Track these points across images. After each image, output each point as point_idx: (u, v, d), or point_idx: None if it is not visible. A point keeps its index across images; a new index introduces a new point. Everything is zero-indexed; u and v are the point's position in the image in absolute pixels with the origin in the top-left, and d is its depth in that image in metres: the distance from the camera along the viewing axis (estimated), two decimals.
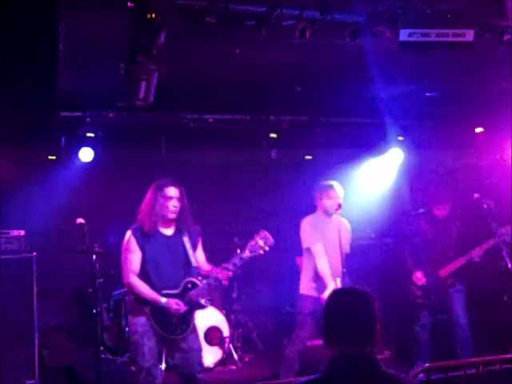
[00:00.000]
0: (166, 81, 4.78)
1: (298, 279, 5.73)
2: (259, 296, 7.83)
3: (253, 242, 4.79)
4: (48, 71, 4.80)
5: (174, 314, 4.66)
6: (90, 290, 4.99)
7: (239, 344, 6.97)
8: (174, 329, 4.69)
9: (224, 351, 6.65)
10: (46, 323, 6.31)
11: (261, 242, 4.77)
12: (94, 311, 4.97)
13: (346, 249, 5.58)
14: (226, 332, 6.65)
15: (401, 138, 7.89)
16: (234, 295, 7.25)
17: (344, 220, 5.77)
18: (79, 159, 6.77)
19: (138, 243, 4.70)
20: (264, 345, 7.32)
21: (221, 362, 6.66)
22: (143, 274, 4.71)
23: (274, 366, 6.51)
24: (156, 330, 4.66)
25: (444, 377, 3.86)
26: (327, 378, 2.36)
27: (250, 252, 4.77)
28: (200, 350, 4.91)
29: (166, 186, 4.78)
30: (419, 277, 6.03)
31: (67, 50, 4.46)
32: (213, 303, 6.81)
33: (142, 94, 5.05)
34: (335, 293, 2.55)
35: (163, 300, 4.64)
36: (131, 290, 4.76)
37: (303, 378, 2.46)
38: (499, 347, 5.52)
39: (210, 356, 6.59)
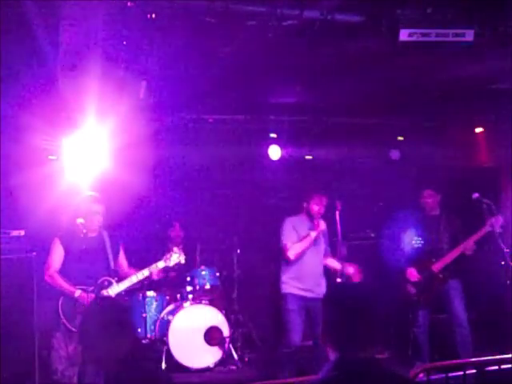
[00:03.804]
0: (167, 81, 4.78)
1: None
2: (259, 296, 7.82)
3: (168, 255, 5.48)
4: (49, 70, 4.81)
5: (83, 308, 4.99)
6: (90, 290, 5.03)
7: (239, 344, 6.97)
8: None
9: (224, 351, 6.65)
10: (45, 323, 6.30)
11: (174, 257, 5.47)
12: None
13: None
14: (225, 332, 6.64)
15: (401, 138, 7.90)
16: (234, 295, 7.25)
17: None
18: (80, 159, 6.75)
19: (62, 242, 5.22)
20: (264, 345, 7.31)
21: (221, 362, 6.65)
22: (64, 270, 5.18)
23: (274, 366, 6.53)
24: (64, 325, 5.06)
25: (444, 377, 3.86)
26: (332, 379, 2.34)
27: (165, 262, 5.44)
28: None
29: (96, 203, 5.35)
30: (413, 273, 6.05)
31: (68, 50, 4.45)
32: (213, 303, 6.83)
33: (142, 94, 5.05)
34: (335, 291, 2.53)
35: (77, 293, 5.06)
36: (49, 284, 5.22)
37: (303, 378, 2.45)
38: (499, 347, 5.52)
39: (210, 356, 6.59)
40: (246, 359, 6.90)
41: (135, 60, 4.57)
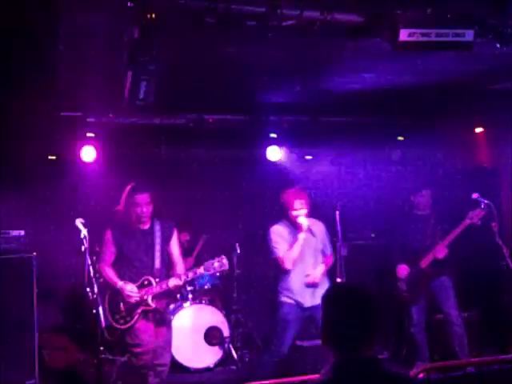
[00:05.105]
0: (166, 81, 4.78)
1: None
2: (259, 296, 7.82)
3: (209, 263, 5.19)
4: (49, 70, 4.81)
5: (123, 301, 5.03)
6: (90, 290, 5.03)
7: (239, 344, 6.97)
8: (119, 318, 5.05)
9: (224, 351, 6.65)
10: (46, 323, 6.30)
11: (216, 265, 5.16)
12: (94, 311, 5.00)
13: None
14: (225, 332, 6.64)
15: (401, 138, 7.90)
16: (234, 295, 7.25)
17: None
18: (80, 159, 6.77)
19: (114, 237, 5.13)
20: (264, 344, 7.31)
21: (221, 362, 6.66)
22: (114, 265, 5.15)
23: (274, 366, 6.52)
24: (106, 318, 5.04)
25: (444, 377, 3.87)
26: (332, 380, 2.33)
27: (204, 270, 5.15)
28: (156, 350, 5.13)
29: (136, 193, 5.13)
30: (402, 269, 6.13)
31: (67, 50, 4.46)
32: (213, 303, 6.83)
33: (142, 94, 5.04)
34: (335, 291, 2.52)
35: (119, 283, 5.05)
36: (101, 277, 5.19)
37: (303, 378, 2.45)
38: (499, 347, 5.52)
39: (210, 356, 6.59)
40: (246, 359, 6.91)
41: (135, 60, 4.57)
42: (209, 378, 6.45)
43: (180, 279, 5.13)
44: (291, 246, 5.42)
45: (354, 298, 2.43)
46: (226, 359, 6.69)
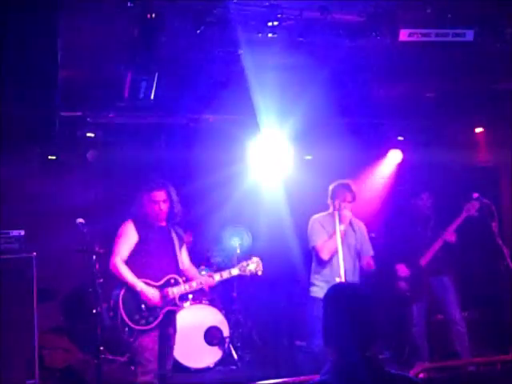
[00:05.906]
0: (166, 80, 4.78)
1: (299, 279, 5.71)
2: (259, 296, 7.82)
3: (245, 263, 5.11)
4: (48, 71, 4.80)
5: (145, 302, 4.75)
6: (90, 290, 5.01)
7: (239, 344, 6.96)
8: (140, 318, 4.77)
9: (224, 351, 6.65)
10: (46, 323, 6.30)
11: (251, 267, 5.09)
12: (94, 311, 4.99)
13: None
14: (225, 332, 6.64)
15: (401, 138, 7.90)
16: (234, 295, 7.25)
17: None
18: (80, 159, 6.78)
19: (137, 228, 4.90)
20: (264, 344, 7.31)
21: (221, 362, 6.66)
22: (131, 261, 4.87)
23: (274, 366, 6.53)
24: (121, 317, 4.72)
25: (444, 376, 3.87)
26: (332, 380, 2.32)
27: (239, 270, 5.07)
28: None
29: (152, 190, 4.95)
30: (402, 269, 6.12)
31: (67, 50, 4.46)
32: (213, 303, 6.83)
33: (141, 94, 5.05)
34: (335, 291, 2.52)
35: (139, 285, 4.76)
36: (113, 273, 4.86)
37: (303, 378, 2.45)
38: (499, 347, 5.52)
39: (210, 356, 6.59)
40: (246, 359, 6.91)
41: (135, 60, 4.57)
42: (209, 377, 6.44)
43: (213, 278, 5.00)
44: (331, 237, 5.29)
45: (354, 298, 2.43)
46: (225, 359, 6.69)
